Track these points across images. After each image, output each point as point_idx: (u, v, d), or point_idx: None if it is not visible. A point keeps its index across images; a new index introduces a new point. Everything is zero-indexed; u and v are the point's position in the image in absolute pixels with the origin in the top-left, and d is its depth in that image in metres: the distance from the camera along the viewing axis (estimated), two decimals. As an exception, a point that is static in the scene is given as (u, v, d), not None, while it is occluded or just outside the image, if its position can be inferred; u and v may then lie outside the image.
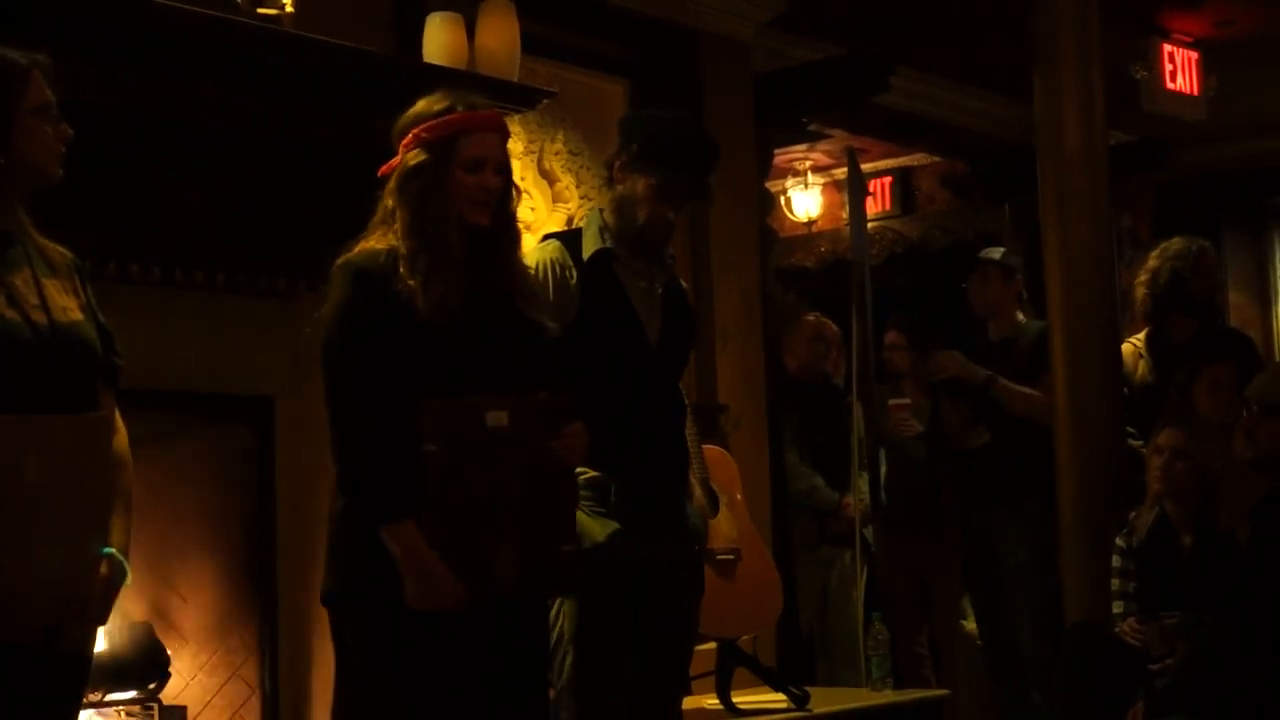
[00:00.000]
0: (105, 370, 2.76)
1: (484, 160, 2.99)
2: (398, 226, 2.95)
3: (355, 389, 2.86)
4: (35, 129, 2.67)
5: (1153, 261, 5.46)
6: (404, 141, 3.01)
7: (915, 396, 6.18)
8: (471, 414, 2.86)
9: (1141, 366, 5.39)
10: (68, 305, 2.70)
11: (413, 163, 2.97)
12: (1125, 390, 5.25)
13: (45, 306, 2.65)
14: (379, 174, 3.04)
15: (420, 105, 3.03)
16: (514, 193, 3.08)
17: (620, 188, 3.56)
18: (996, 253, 5.65)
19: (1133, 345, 5.44)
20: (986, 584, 5.50)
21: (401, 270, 2.90)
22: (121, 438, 2.76)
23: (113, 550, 2.66)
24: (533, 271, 3.40)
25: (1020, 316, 5.58)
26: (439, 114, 2.99)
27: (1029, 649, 5.29)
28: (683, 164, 3.52)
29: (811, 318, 6.46)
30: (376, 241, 2.97)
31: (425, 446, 2.81)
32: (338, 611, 2.97)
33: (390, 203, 2.99)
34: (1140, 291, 5.45)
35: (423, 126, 2.99)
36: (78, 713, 2.77)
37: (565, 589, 3.16)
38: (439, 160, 2.96)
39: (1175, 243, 5.45)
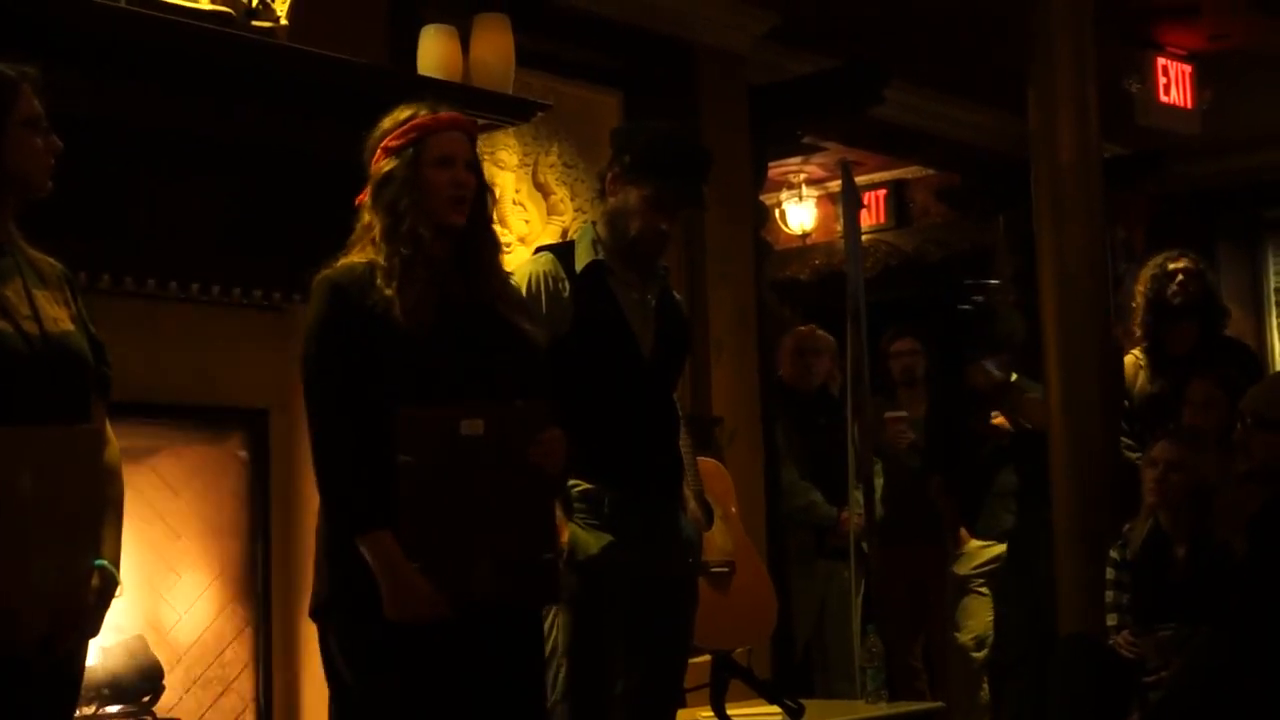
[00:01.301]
0: (96, 381, 2.75)
1: (452, 157, 2.98)
2: (374, 234, 2.95)
3: (331, 403, 2.86)
4: (25, 141, 2.67)
5: (1141, 274, 5.50)
6: (374, 159, 3.01)
7: (911, 407, 6.18)
8: (446, 423, 2.85)
9: (1141, 377, 5.39)
10: (59, 316, 2.70)
11: (383, 171, 2.97)
12: (1126, 402, 5.25)
13: (37, 317, 2.65)
14: (355, 203, 3.04)
15: (384, 122, 3.03)
16: (489, 195, 3.08)
17: (613, 199, 3.55)
18: None
19: (1134, 357, 5.46)
20: (1020, 588, 5.48)
21: (378, 280, 2.89)
22: (113, 449, 2.76)
23: (104, 562, 2.65)
24: (526, 284, 3.41)
25: None
26: (403, 122, 3.00)
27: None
28: (676, 173, 3.50)
29: (804, 329, 6.47)
30: (357, 255, 2.97)
31: (400, 457, 2.80)
32: (324, 626, 2.96)
33: (366, 216, 2.99)
34: (1134, 308, 5.48)
35: (389, 137, 2.99)
36: (69, 726, 2.76)
37: (546, 598, 3.14)
38: (408, 163, 2.95)
39: (1156, 255, 5.48)
